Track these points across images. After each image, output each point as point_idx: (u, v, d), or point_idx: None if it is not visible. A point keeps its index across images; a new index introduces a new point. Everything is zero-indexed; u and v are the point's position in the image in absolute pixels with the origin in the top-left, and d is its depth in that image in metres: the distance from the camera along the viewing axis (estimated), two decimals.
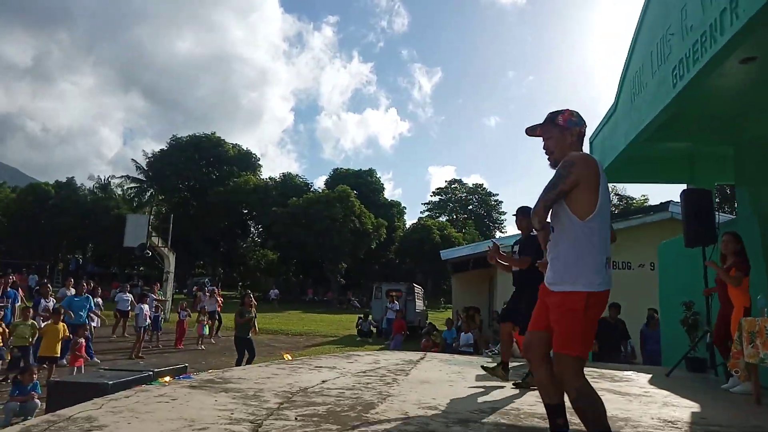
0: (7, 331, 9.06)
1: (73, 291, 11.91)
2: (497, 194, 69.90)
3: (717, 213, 6.96)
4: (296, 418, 3.57)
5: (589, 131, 9.42)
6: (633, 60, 7.09)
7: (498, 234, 60.91)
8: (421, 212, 68.83)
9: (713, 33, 4.54)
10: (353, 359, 7.09)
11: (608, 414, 2.72)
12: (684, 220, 6.83)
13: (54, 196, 45.56)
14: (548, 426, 2.80)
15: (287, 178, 49.65)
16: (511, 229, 70.39)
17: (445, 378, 5.73)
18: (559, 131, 2.80)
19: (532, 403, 4.43)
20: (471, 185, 69.81)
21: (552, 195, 2.61)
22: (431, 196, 70.01)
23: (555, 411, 2.73)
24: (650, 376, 6.44)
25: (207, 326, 15.33)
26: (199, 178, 46.20)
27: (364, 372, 5.93)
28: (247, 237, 51.34)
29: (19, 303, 11.77)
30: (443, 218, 63.51)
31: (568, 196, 2.61)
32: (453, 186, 69.72)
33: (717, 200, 21.76)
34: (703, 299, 6.83)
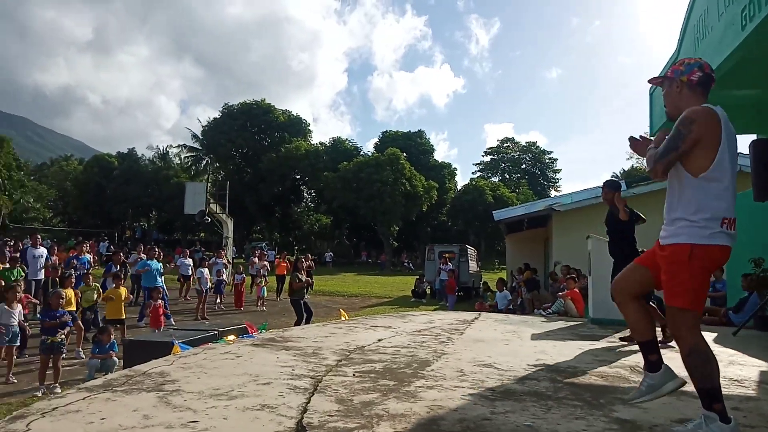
0: (80, 294, 9.70)
1: (144, 257, 12.65)
2: (551, 152, 68.19)
3: None
4: (354, 375, 3.69)
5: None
6: (697, 2, 6.61)
7: (553, 192, 59.51)
8: (472, 173, 68.05)
9: None
10: (408, 319, 7.21)
11: None
12: (753, 172, 6.44)
13: (117, 167, 47.77)
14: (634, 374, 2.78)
15: (337, 142, 49.84)
16: (566, 187, 68.65)
17: (500, 337, 5.75)
18: (668, 83, 2.72)
19: (589, 362, 4.40)
20: (524, 144, 68.31)
21: (673, 156, 2.52)
22: (483, 156, 68.97)
23: (647, 347, 2.75)
24: (715, 335, 6.24)
25: (265, 288, 15.90)
26: (251, 145, 47.09)
27: (419, 331, 6.03)
28: (301, 202, 52.23)
29: (90, 268, 12.55)
30: (496, 178, 62.56)
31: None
32: (505, 145, 68.36)
33: None
34: None
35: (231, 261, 21.37)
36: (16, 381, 6.83)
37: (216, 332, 5.83)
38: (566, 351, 4.91)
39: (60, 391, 6.12)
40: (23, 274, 10.19)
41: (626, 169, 52.68)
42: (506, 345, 5.23)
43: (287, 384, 3.36)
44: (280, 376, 3.56)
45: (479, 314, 8.28)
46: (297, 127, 49.92)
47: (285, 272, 17.88)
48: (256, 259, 17.46)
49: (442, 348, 4.91)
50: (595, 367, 4.18)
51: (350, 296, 19.79)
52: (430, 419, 2.73)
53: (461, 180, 55.72)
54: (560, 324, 7.12)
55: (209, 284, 13.89)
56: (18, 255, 11.54)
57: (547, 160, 66.93)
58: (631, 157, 53.54)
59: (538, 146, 68.11)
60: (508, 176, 65.16)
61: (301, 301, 10.44)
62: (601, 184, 6.20)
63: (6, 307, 7.10)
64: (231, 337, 5.26)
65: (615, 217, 5.70)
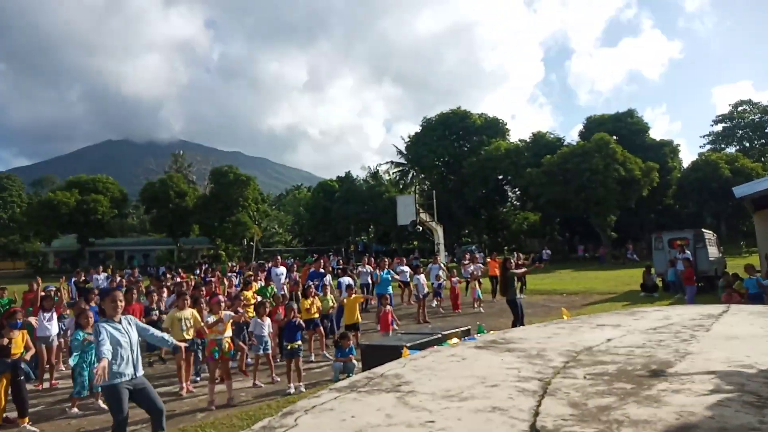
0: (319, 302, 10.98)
1: (368, 268, 13.99)
2: None
3: None
4: (585, 377, 3.52)
5: None
6: None
7: None
8: (700, 146, 59.71)
9: None
10: (639, 316, 6.60)
11: None
12: None
13: (338, 190, 53.57)
14: None
15: (537, 136, 48.25)
16: None
17: (759, 333, 4.92)
18: None
19: None
20: (766, 103, 57.57)
21: None
22: (712, 125, 59.99)
23: None
24: None
25: (479, 290, 16.04)
26: (452, 152, 48.46)
27: (654, 329, 5.48)
28: (506, 202, 51.81)
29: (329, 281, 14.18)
30: (732, 149, 53.97)
31: None
32: (741, 109, 58.47)
33: None
34: None
35: (446, 265, 22.09)
36: (279, 380, 8.00)
37: (440, 335, 6.09)
38: None
39: (304, 390, 7.08)
40: (275, 291, 11.92)
41: None
42: None
43: (515, 386, 3.35)
44: (507, 378, 3.57)
45: (728, 307, 7.19)
46: (494, 128, 49.92)
47: (497, 273, 17.79)
48: (468, 261, 17.82)
49: (685, 347, 4.38)
50: None
51: (569, 294, 18.85)
52: (681, 427, 2.47)
53: (687, 156, 49.47)
54: None
55: (426, 289, 14.54)
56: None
57: None
58: None
59: None
60: (747, 144, 55.70)
61: (517, 300, 10.34)
62: None
63: (258, 320, 8.36)
64: (454, 340, 5.43)
65: None
